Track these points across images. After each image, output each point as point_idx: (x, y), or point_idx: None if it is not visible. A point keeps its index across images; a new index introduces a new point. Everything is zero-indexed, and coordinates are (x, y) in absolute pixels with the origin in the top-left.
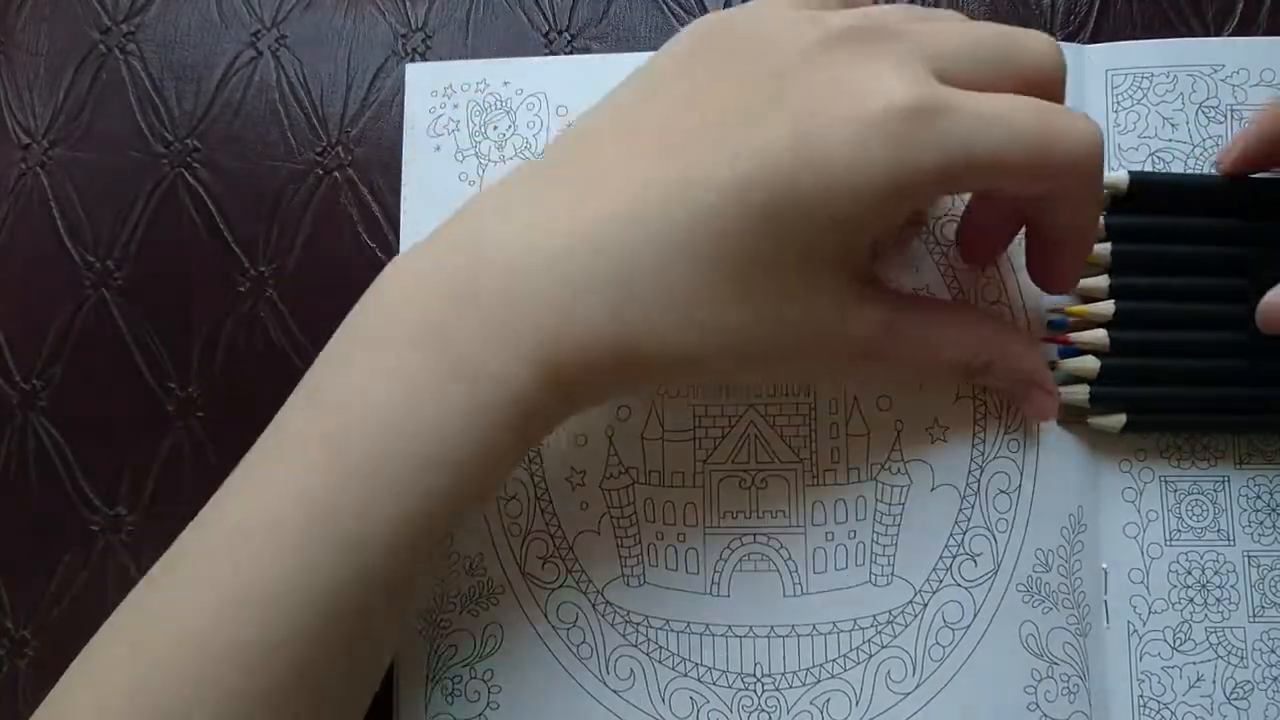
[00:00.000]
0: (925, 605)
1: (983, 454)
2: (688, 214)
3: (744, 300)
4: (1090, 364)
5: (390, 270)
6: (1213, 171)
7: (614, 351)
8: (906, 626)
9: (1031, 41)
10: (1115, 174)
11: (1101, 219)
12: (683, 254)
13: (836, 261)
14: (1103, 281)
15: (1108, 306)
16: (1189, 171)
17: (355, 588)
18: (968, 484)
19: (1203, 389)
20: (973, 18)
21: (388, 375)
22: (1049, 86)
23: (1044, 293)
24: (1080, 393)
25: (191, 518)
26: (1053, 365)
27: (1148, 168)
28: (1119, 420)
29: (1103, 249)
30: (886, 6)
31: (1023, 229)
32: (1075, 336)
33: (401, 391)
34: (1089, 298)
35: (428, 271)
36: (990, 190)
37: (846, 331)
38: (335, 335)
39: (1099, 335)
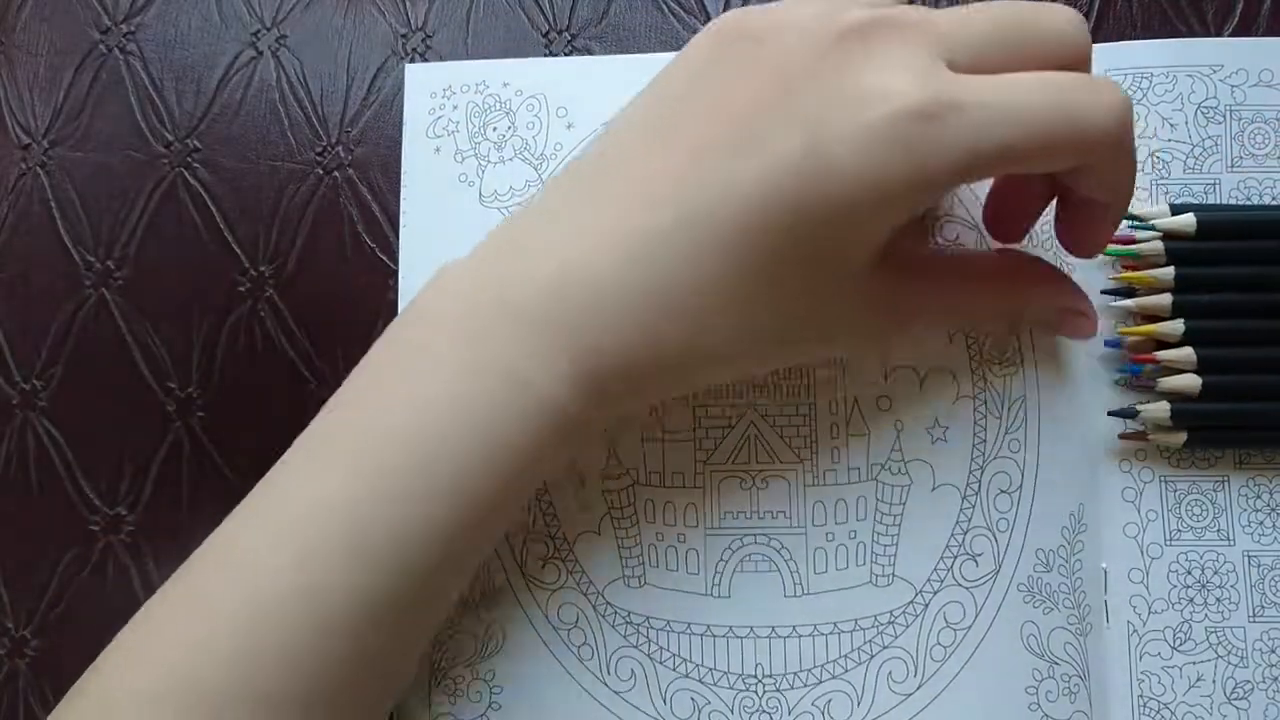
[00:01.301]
0: (926, 605)
1: (983, 454)
2: (713, 225)
3: (773, 300)
4: (1193, 382)
5: (436, 277)
6: (1212, 171)
7: (652, 361)
8: (908, 627)
9: (1050, 17)
10: (1182, 217)
11: (1162, 244)
12: (712, 263)
13: (859, 251)
14: (1165, 300)
15: (1177, 325)
16: (1191, 173)
17: (392, 596)
18: (968, 484)
19: (1265, 404)
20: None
21: (432, 382)
22: (1074, 62)
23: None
24: (1162, 410)
25: (191, 517)
26: (1149, 387)
27: (1147, 168)
28: (1179, 438)
29: (1165, 272)
30: (902, 4)
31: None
32: (1163, 355)
33: (446, 399)
34: (1153, 317)
35: (472, 282)
36: (1015, 171)
37: (873, 312)
38: (382, 338)
39: (1187, 353)
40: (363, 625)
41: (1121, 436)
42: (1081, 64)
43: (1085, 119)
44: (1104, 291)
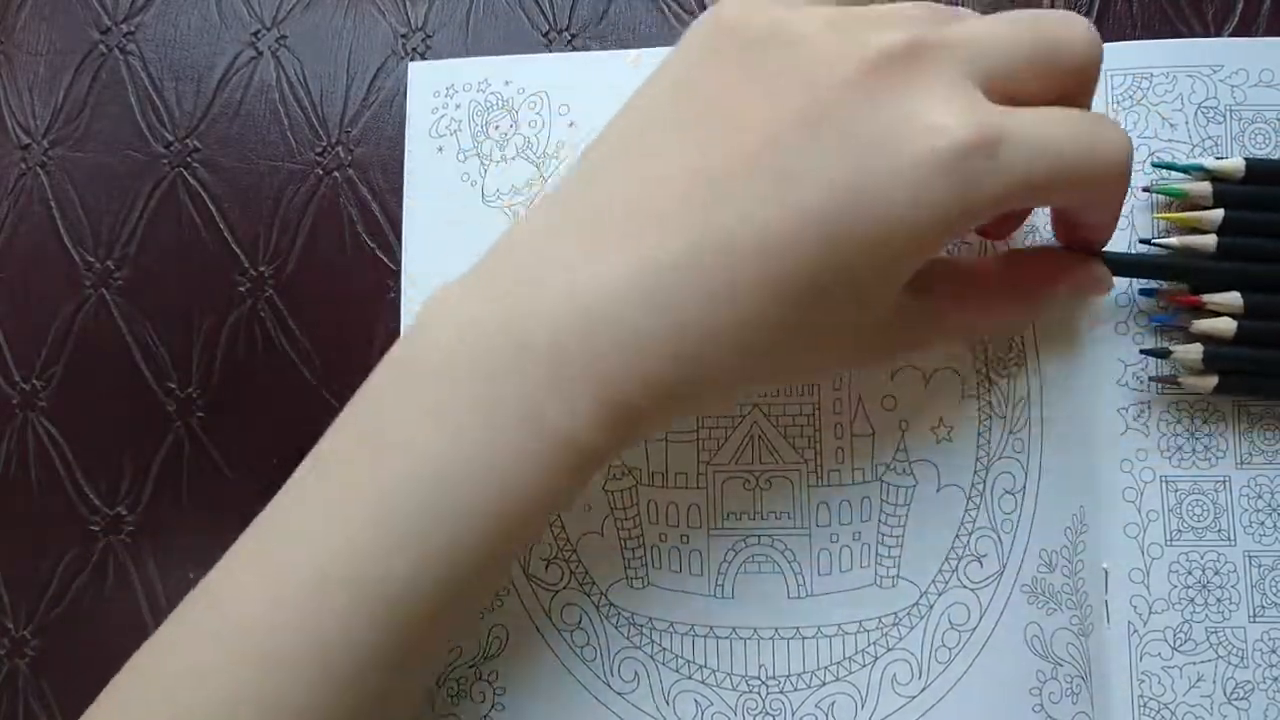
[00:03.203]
0: (931, 607)
1: (988, 454)
2: (744, 261)
3: (800, 327)
4: (1226, 325)
5: (437, 309)
6: None
7: (674, 391)
8: (912, 629)
9: (1071, 37)
10: (1232, 161)
11: (1210, 187)
12: (742, 296)
13: (890, 283)
14: (1210, 241)
15: (1210, 239)
16: None
17: (397, 649)
18: (973, 484)
19: None
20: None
21: (441, 425)
22: (1089, 77)
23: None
24: (1194, 352)
25: (192, 517)
26: (1182, 329)
27: (1147, 168)
28: (1210, 382)
29: (1214, 214)
30: (910, 5)
31: None
32: (1209, 298)
33: (454, 443)
34: (1195, 253)
35: (479, 317)
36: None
37: (892, 334)
38: (379, 372)
39: (1233, 298)
40: (368, 673)
41: (1153, 379)
42: (1094, 78)
43: (1104, 155)
44: (1142, 241)
